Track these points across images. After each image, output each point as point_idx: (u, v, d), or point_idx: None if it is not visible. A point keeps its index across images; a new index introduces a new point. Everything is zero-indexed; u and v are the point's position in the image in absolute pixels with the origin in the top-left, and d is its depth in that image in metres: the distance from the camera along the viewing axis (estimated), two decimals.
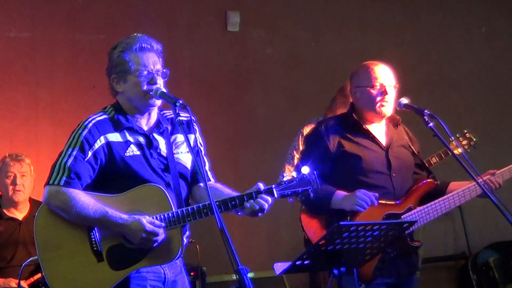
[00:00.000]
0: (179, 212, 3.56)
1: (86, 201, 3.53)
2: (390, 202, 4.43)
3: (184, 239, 3.64)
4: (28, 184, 5.87)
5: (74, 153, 3.57)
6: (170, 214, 3.55)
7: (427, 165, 5.53)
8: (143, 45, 3.65)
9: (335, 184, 4.35)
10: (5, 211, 5.84)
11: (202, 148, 3.83)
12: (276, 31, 7.56)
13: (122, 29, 6.71)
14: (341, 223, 3.57)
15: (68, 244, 3.57)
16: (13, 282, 5.49)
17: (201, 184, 3.78)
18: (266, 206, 3.59)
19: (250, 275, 3.08)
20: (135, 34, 3.73)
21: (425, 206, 4.48)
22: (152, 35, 3.77)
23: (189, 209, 3.56)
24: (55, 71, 6.78)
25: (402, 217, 4.39)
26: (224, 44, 7.36)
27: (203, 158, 3.81)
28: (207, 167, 3.86)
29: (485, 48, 8.20)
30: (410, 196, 4.49)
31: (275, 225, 7.17)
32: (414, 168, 4.65)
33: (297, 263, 3.66)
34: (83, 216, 3.52)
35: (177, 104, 3.49)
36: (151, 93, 3.62)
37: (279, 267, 3.84)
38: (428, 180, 4.58)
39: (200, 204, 3.56)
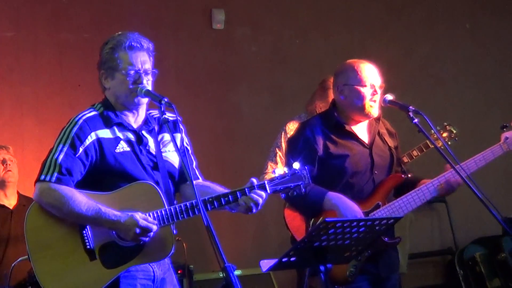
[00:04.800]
0: (171, 209, 3.56)
1: (79, 198, 3.51)
2: (359, 201, 4.31)
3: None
4: (16, 171, 5.96)
5: (65, 149, 3.55)
6: (163, 211, 3.55)
7: (408, 158, 5.52)
8: (132, 44, 3.65)
9: (321, 185, 4.26)
10: None
11: (189, 147, 3.85)
12: (261, 29, 7.56)
13: (107, 28, 6.69)
14: (327, 219, 3.57)
15: (60, 243, 3.54)
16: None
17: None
18: (260, 201, 3.61)
19: (237, 272, 3.07)
20: (127, 31, 3.72)
21: (395, 200, 4.37)
22: None
23: (182, 206, 3.56)
24: (40, 70, 6.76)
25: (370, 214, 4.31)
26: (209, 42, 7.35)
27: (190, 157, 3.82)
28: (194, 166, 3.87)
29: (469, 44, 8.24)
30: (377, 193, 4.39)
31: (262, 222, 7.18)
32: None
33: (284, 260, 3.65)
34: (75, 213, 3.50)
35: (162, 102, 3.51)
36: (136, 91, 3.63)
37: (266, 264, 3.82)
38: (395, 174, 4.47)
39: (193, 201, 3.56)
